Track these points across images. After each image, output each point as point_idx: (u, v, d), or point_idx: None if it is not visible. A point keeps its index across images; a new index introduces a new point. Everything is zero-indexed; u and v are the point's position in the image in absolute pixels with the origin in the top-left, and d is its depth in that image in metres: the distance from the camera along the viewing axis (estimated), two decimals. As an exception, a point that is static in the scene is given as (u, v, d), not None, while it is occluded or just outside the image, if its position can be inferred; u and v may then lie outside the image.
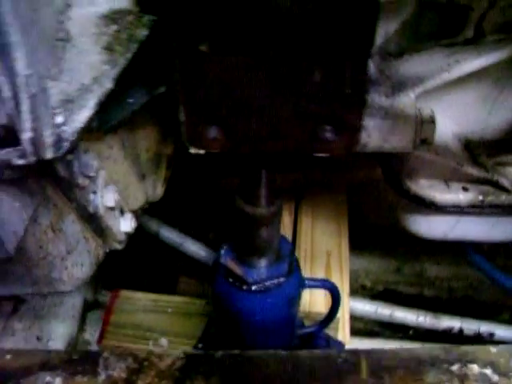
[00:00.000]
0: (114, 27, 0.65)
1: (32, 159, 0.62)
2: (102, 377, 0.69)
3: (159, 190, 1.05)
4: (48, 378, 0.70)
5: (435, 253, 2.01)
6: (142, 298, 1.33)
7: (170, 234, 1.80)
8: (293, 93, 0.65)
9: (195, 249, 1.83)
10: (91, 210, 0.89)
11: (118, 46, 0.64)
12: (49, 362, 0.72)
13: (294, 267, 0.98)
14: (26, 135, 0.59)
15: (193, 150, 0.70)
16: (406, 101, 0.81)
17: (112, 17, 0.65)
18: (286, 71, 0.63)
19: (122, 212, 0.99)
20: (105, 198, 0.90)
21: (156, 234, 1.78)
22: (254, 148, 0.70)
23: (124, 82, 0.65)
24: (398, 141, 0.81)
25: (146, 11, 0.64)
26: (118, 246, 1.03)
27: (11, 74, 0.55)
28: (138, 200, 1.02)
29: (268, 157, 0.81)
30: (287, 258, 0.97)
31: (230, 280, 0.96)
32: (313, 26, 0.59)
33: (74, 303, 1.45)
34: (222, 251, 0.98)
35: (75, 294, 1.48)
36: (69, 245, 0.92)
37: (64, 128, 0.61)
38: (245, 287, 0.94)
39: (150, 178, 1.02)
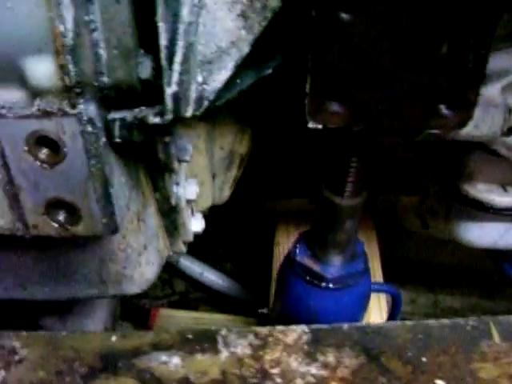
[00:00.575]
0: (247, -5, 0.66)
1: (169, 117, 0.61)
2: (225, 354, 0.65)
3: (226, 193, 1.04)
4: (164, 358, 0.66)
5: (449, 284, 2.03)
6: (183, 316, 1.28)
7: (189, 263, 1.77)
8: (419, 65, 0.67)
9: (215, 278, 1.79)
10: (173, 201, 0.87)
11: (252, 14, 0.65)
12: (161, 343, 0.68)
13: (368, 265, 0.97)
14: (171, 89, 0.58)
15: (311, 125, 0.70)
16: (494, 91, 0.85)
17: (244, -14, 0.66)
18: (415, 41, 0.65)
19: (192, 211, 0.97)
20: (187, 191, 0.88)
21: (175, 262, 1.74)
22: (372, 123, 0.71)
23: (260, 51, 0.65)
24: (487, 128, 0.84)
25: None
26: (183, 249, 1.00)
27: (175, 20, 0.54)
28: (207, 200, 1.00)
29: (365, 142, 0.82)
30: (361, 255, 0.97)
31: (307, 278, 0.94)
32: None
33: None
34: (297, 250, 0.97)
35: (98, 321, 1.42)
36: (147, 239, 0.89)
37: (205, 86, 0.61)
38: (323, 284, 0.93)
39: (220, 179, 1.01)
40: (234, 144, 0.98)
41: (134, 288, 0.94)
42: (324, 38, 0.64)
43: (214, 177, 1.00)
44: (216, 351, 0.66)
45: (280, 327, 0.69)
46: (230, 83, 0.68)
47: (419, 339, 0.65)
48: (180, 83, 0.58)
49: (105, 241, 0.83)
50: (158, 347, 0.67)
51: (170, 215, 0.91)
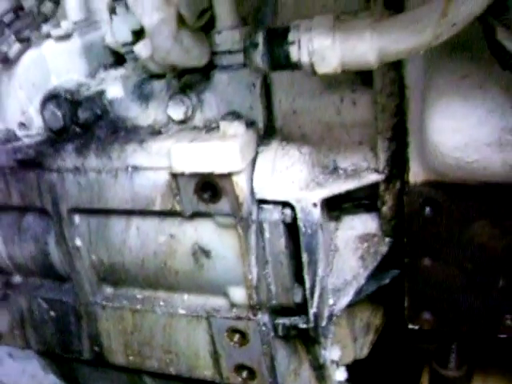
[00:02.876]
0: (366, 244, 1.06)
1: (311, 325, 1.01)
2: None
3: (365, 351, 1.39)
4: None
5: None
6: None
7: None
8: (485, 293, 0.99)
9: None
10: (321, 361, 1.26)
11: (368, 257, 1.04)
12: None
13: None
14: (312, 310, 0.99)
15: (410, 326, 1.05)
16: None
17: (365, 237, 1.06)
18: (480, 277, 0.98)
19: (337, 365, 1.34)
20: (332, 354, 1.26)
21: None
22: (452, 328, 1.03)
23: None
24: None
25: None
26: (330, 394, 1.37)
27: (313, 275, 0.96)
28: (349, 357, 1.36)
29: (460, 334, 1.13)
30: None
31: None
32: None
33: None
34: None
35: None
36: (302, 385, 1.28)
37: (334, 307, 1.01)
38: None
39: (360, 341, 1.37)
40: (371, 317, 1.34)
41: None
42: (414, 275, 1.00)
43: (355, 340, 1.37)
44: None
45: None
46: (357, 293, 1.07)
47: None
48: (318, 307, 0.99)
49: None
50: None
51: (318, 369, 1.29)
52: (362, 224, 1.07)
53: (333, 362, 1.28)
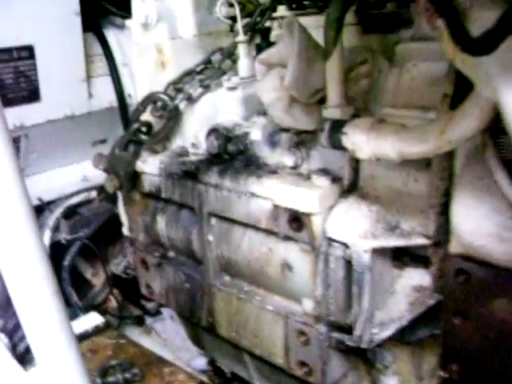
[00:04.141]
0: (418, 294, 1.31)
1: (355, 344, 1.30)
2: None
3: (430, 392, 1.61)
4: None
5: None
6: None
7: None
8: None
9: None
10: (379, 384, 1.52)
11: (416, 304, 1.29)
12: None
13: None
14: (357, 332, 1.29)
15: (441, 373, 1.28)
16: None
17: (418, 288, 1.32)
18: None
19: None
20: (390, 382, 1.52)
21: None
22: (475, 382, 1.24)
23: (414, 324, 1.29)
24: None
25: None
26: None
27: (360, 305, 1.26)
28: (414, 394, 1.60)
29: None
30: None
31: None
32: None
33: None
34: None
35: None
36: (361, 400, 1.56)
37: (375, 336, 1.29)
38: None
39: (426, 381, 1.59)
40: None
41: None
42: (447, 330, 1.24)
43: (420, 379, 1.59)
44: None
45: None
46: (408, 334, 1.33)
47: None
48: (361, 331, 1.28)
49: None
50: None
51: (378, 393, 1.56)
52: (419, 277, 1.32)
53: (391, 391, 1.54)
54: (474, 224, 1.04)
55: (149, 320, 2.89)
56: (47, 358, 1.28)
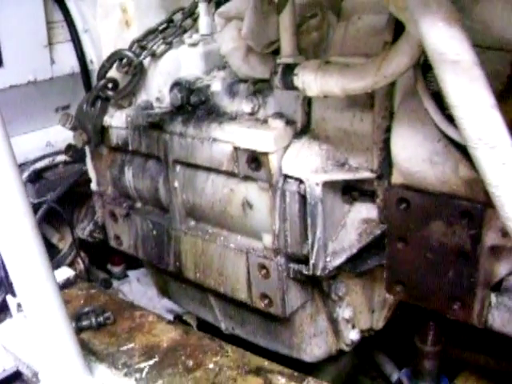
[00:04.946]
0: (365, 225, 1.48)
1: (311, 272, 1.47)
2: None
3: (380, 324, 1.79)
4: None
5: None
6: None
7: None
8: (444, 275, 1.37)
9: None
10: (335, 316, 1.70)
11: (364, 235, 1.47)
12: None
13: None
14: (311, 261, 1.45)
15: (387, 295, 1.46)
16: None
17: (366, 220, 1.49)
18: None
19: (353, 326, 1.76)
20: (344, 313, 1.69)
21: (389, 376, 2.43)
22: (416, 302, 1.42)
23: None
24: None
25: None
26: (345, 348, 1.80)
27: (313, 235, 1.42)
28: (365, 324, 1.77)
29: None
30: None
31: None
32: None
33: None
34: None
35: None
36: (317, 331, 1.73)
37: (328, 264, 1.46)
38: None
39: (376, 313, 1.77)
40: (387, 295, 1.74)
41: (306, 357, 1.78)
42: (391, 255, 1.41)
43: (372, 311, 1.77)
44: None
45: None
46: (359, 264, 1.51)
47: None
48: (315, 259, 1.45)
49: (293, 324, 1.71)
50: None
51: (334, 323, 1.73)
52: (366, 210, 1.49)
53: (346, 320, 1.72)
54: (410, 151, 1.21)
55: (115, 283, 3.02)
56: (34, 305, 1.43)
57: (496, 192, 0.92)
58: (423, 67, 1.13)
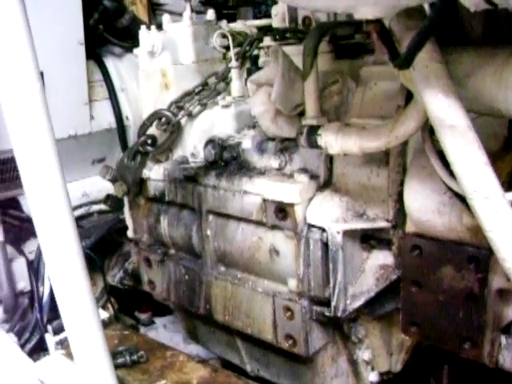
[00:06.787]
0: (382, 271, 1.65)
1: (332, 314, 1.64)
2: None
3: (399, 366, 1.93)
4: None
5: None
6: None
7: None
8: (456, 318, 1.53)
9: None
10: (355, 357, 1.85)
11: (381, 280, 1.64)
12: None
13: None
14: (333, 304, 1.62)
15: (403, 336, 1.62)
16: None
17: (383, 266, 1.66)
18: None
19: (372, 368, 1.91)
20: (364, 355, 1.85)
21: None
22: (431, 342, 1.57)
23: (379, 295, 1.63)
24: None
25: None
26: (365, 390, 1.94)
27: (335, 280, 1.60)
28: (384, 366, 1.92)
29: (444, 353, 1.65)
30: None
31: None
32: None
33: None
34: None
35: None
36: (337, 372, 1.88)
37: (348, 306, 1.63)
38: None
39: (395, 356, 1.92)
40: (405, 338, 1.89)
41: (328, 399, 1.93)
42: (406, 298, 1.58)
43: (390, 354, 1.92)
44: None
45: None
46: (377, 307, 1.67)
47: None
48: (336, 302, 1.62)
49: (315, 365, 1.87)
50: None
51: (354, 365, 1.88)
52: (383, 257, 1.67)
53: (366, 362, 1.87)
54: (421, 203, 1.40)
55: (142, 329, 3.19)
56: (80, 340, 1.63)
57: (492, 236, 1.10)
58: (430, 129, 1.33)
